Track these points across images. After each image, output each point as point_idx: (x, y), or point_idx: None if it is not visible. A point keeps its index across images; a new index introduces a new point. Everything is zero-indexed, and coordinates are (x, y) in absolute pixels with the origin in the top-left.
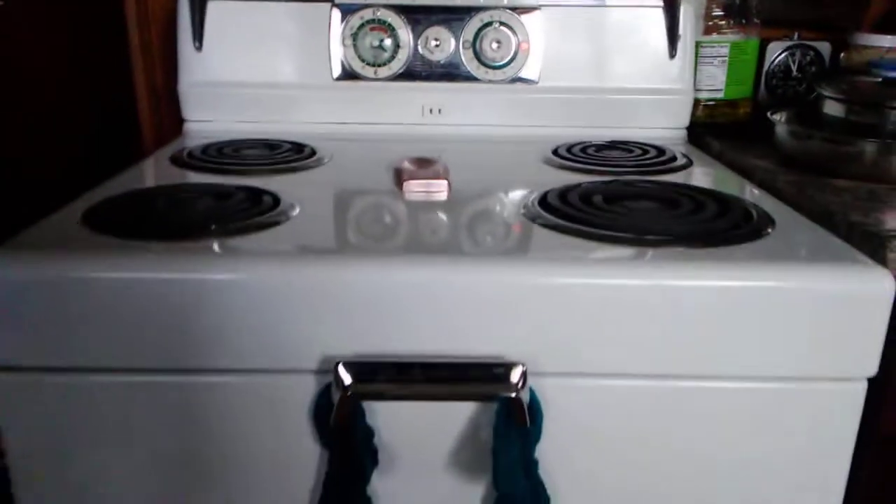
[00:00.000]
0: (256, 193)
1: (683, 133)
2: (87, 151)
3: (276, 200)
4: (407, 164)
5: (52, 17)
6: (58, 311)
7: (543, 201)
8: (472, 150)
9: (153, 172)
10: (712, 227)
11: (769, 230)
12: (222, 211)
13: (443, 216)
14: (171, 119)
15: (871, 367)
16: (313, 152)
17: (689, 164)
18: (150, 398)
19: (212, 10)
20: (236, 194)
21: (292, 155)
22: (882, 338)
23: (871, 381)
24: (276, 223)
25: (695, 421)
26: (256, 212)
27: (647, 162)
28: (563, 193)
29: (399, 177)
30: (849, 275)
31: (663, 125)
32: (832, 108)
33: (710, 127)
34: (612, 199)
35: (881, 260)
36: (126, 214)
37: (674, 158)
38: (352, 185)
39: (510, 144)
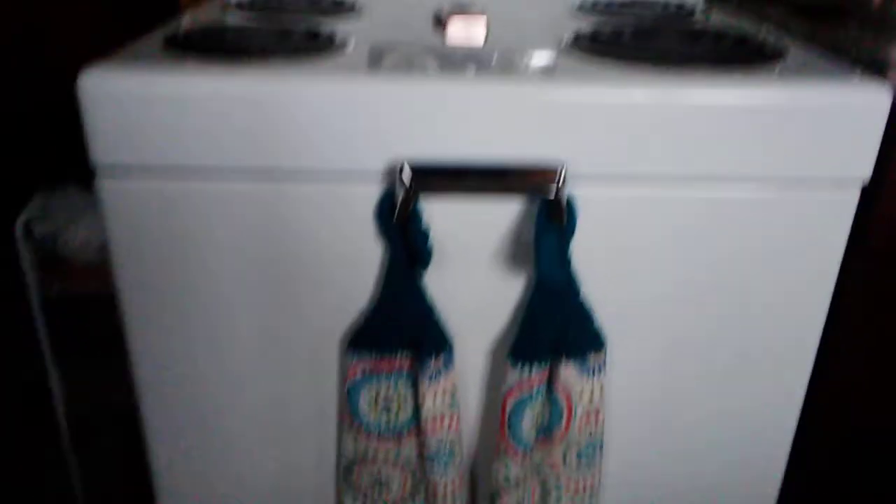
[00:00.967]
0: (314, 32)
1: None
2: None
3: (333, 37)
4: (446, 7)
5: None
6: (156, 120)
7: (577, 38)
8: (504, 4)
9: (211, 14)
10: (729, 54)
11: (780, 58)
12: (291, 43)
13: (485, 48)
14: None
15: (866, 170)
16: (354, 3)
17: (709, 11)
18: (241, 204)
19: None
20: (297, 32)
21: (334, 6)
22: (877, 144)
23: (862, 195)
24: (340, 50)
25: (704, 224)
26: (320, 44)
27: (670, 13)
28: (595, 32)
29: (440, 18)
30: (848, 87)
31: None
32: None
33: None
34: (639, 36)
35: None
36: (205, 41)
37: (694, 10)
38: (395, 30)
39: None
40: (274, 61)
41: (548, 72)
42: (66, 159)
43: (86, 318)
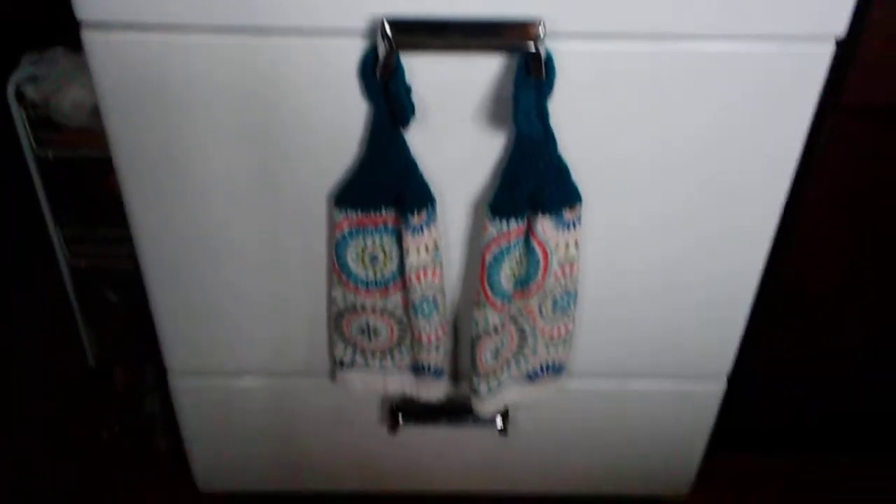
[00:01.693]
0: None
1: None
2: None
3: None
4: None
5: None
6: None
7: None
8: None
9: None
10: None
11: None
12: None
13: None
14: None
15: (839, 26)
16: None
17: None
18: (227, 59)
19: None
20: None
21: None
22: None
23: (838, 49)
24: None
25: (681, 80)
26: None
27: None
28: None
29: None
30: None
31: None
32: None
33: None
34: None
35: None
36: None
37: None
38: None
39: None
40: None
41: None
42: (53, 22)
43: (81, 181)
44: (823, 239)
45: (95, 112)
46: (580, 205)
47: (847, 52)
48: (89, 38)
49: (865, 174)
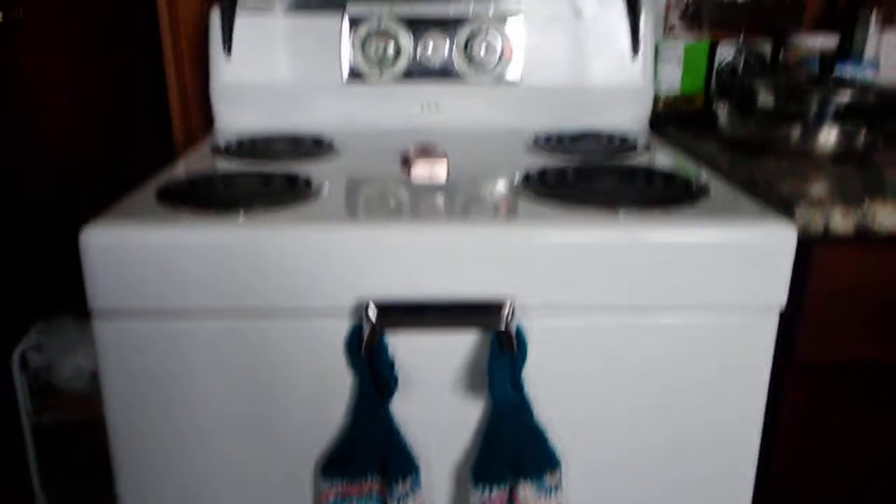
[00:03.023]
0: (293, 177)
1: (646, 124)
2: (122, 149)
3: (309, 182)
4: (413, 148)
5: (71, 28)
6: (150, 268)
7: (526, 178)
8: (466, 138)
9: (200, 161)
10: (658, 195)
11: (704, 196)
12: (272, 189)
13: (445, 188)
14: (200, 119)
15: (780, 298)
16: (331, 145)
17: (648, 147)
18: (223, 340)
19: (239, 22)
20: (278, 178)
21: (315, 148)
22: (788, 275)
23: (785, 316)
24: (315, 196)
25: (644, 348)
26: (297, 191)
27: (614, 147)
28: (542, 172)
29: (406, 159)
30: (760, 226)
31: (629, 117)
32: (765, 99)
33: (670, 118)
34: (580, 177)
35: (791, 216)
36: (194, 193)
37: (636, 145)
38: (368, 169)
39: (498, 135)
40: (256, 210)
41: (497, 214)
42: (63, 293)
43: (75, 443)
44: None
45: (95, 377)
46: (559, 470)
47: (793, 318)
48: (100, 326)
49: (823, 424)
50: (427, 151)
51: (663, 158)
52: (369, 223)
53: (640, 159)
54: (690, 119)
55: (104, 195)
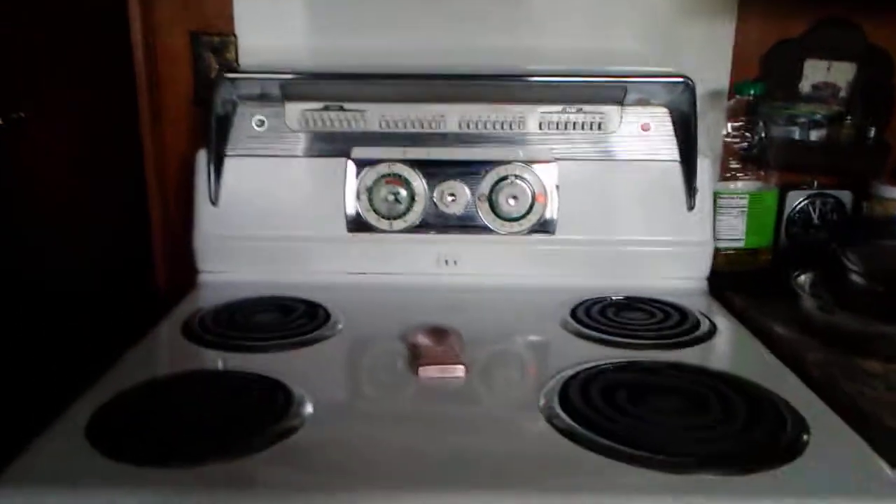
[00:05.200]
0: (272, 387)
1: (703, 284)
2: (104, 282)
3: (289, 397)
4: (421, 339)
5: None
6: None
7: (564, 396)
8: (489, 304)
9: (165, 352)
10: (742, 443)
11: (805, 440)
12: (239, 423)
13: (457, 415)
14: (187, 267)
15: None
16: (327, 316)
17: (713, 331)
18: None
19: (230, 164)
20: (251, 389)
21: (306, 323)
22: None
23: None
24: (294, 430)
25: None
26: (274, 418)
27: (669, 332)
28: (585, 386)
29: (413, 356)
30: None
31: (683, 276)
32: (857, 277)
33: (730, 276)
34: (636, 395)
35: None
36: (136, 431)
37: (696, 326)
38: (367, 359)
39: (527, 296)
40: (214, 466)
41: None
42: None
43: None
44: None
45: None
46: None
47: None
48: None
49: None
50: (438, 339)
51: (735, 352)
52: (361, 491)
53: (704, 355)
54: (755, 279)
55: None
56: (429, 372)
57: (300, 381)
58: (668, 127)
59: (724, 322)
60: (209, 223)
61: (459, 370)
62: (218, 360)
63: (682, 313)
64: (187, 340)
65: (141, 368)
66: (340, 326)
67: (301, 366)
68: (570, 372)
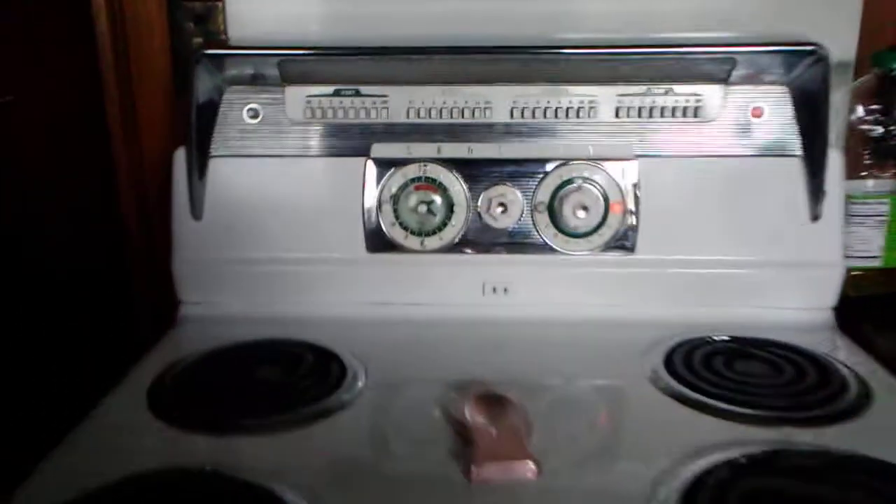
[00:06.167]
0: (265, 501)
1: (829, 316)
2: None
3: None
4: (471, 414)
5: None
6: None
7: None
8: (549, 347)
9: (116, 438)
10: None
11: None
12: None
13: None
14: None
15: None
16: (342, 370)
17: (867, 398)
18: None
19: (214, 169)
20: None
21: (313, 385)
22: None
23: None
24: None
25: None
26: None
27: (809, 399)
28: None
29: (462, 440)
30: None
31: (803, 306)
32: None
33: (859, 304)
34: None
35: None
36: None
37: (844, 388)
38: (400, 459)
39: (600, 335)
40: None
41: None
42: None
43: None
44: None
45: None
46: None
47: None
48: None
49: None
50: (494, 411)
51: None
52: None
53: (860, 429)
54: (892, 304)
55: None
56: (488, 473)
57: (304, 491)
58: (788, 111)
59: (877, 379)
60: (191, 242)
61: (529, 469)
62: (195, 452)
63: (819, 365)
64: (156, 418)
65: (70, 476)
66: (360, 385)
67: (306, 461)
68: (687, 473)
